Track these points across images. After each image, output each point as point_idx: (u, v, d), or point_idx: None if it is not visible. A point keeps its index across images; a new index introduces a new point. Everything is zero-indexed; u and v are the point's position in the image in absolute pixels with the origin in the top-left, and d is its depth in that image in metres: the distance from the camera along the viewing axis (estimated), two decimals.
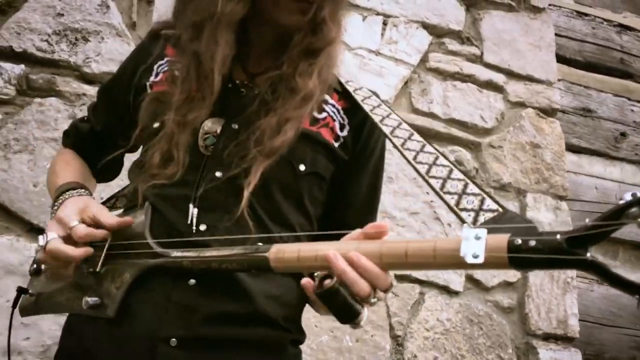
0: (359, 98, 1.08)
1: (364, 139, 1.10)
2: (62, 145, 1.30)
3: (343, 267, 0.74)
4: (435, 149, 0.91)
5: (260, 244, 0.88)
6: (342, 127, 1.09)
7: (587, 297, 2.63)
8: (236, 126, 1.02)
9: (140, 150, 1.13)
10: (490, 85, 2.63)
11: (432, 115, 2.50)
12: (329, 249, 0.76)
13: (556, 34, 2.83)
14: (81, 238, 0.98)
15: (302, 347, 1.09)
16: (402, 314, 2.22)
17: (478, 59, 2.65)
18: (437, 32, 2.62)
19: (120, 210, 1.16)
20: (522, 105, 2.66)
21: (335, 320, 0.78)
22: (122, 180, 1.33)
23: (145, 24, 2.20)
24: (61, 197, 1.08)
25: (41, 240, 1.00)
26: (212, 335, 0.94)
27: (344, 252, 0.75)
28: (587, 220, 0.58)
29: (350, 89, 1.11)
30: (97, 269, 0.98)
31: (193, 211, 0.97)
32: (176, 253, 0.92)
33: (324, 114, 1.07)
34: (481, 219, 0.74)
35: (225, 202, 0.97)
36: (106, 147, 1.17)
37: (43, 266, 1.03)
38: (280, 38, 1.07)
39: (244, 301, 0.95)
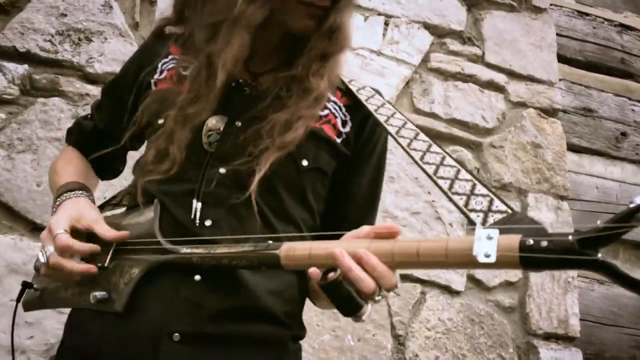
0: (362, 98, 1.09)
1: (366, 135, 1.11)
2: (65, 143, 1.30)
3: (349, 265, 0.75)
4: (442, 148, 0.91)
5: (270, 242, 0.88)
6: (344, 124, 1.09)
7: (587, 296, 2.64)
8: (239, 124, 1.02)
9: (144, 147, 1.14)
10: (491, 86, 2.63)
11: (433, 115, 2.51)
12: (338, 247, 0.77)
13: (557, 34, 2.83)
14: (58, 248, 0.97)
15: (304, 346, 1.10)
16: (404, 314, 2.23)
17: (479, 59, 2.65)
18: (438, 33, 2.62)
19: (124, 209, 1.16)
20: (523, 105, 2.66)
21: (337, 319, 0.78)
22: (125, 180, 1.33)
23: (147, 24, 2.20)
24: (59, 200, 1.08)
25: (41, 257, 0.99)
26: (217, 332, 0.95)
27: (354, 250, 0.76)
28: (598, 222, 0.59)
29: (354, 89, 1.12)
30: (106, 264, 0.98)
31: (197, 206, 0.98)
32: (185, 249, 0.92)
33: (326, 111, 1.08)
34: (490, 220, 0.74)
35: (230, 197, 0.97)
36: (109, 145, 1.17)
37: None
38: (285, 40, 1.08)
39: (247, 297, 0.96)
